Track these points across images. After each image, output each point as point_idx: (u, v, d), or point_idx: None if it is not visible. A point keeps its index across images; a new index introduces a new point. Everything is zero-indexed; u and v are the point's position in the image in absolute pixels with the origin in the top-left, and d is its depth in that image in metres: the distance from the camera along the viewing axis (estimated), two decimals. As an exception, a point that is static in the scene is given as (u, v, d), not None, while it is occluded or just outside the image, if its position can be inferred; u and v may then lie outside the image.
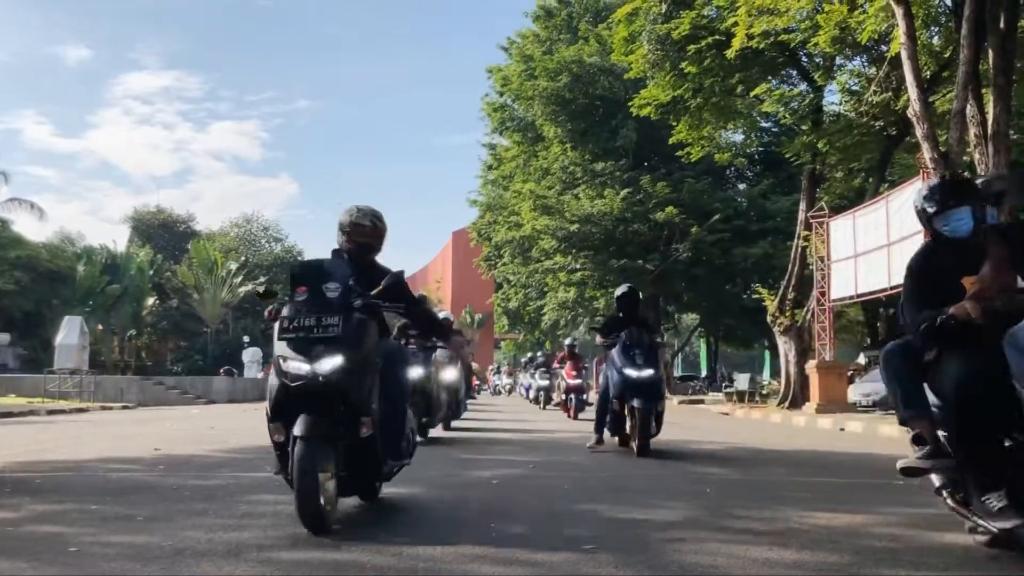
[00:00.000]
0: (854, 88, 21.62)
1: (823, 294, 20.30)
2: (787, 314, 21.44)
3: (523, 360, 37.90)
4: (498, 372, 52.75)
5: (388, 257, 8.31)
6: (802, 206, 21.94)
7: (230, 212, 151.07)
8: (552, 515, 4.84)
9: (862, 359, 31.89)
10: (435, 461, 7.61)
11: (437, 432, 10.91)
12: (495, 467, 7.43)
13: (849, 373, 22.32)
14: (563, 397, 17.15)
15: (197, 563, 3.52)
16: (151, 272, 47.51)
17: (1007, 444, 3.39)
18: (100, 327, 41.86)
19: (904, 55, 13.47)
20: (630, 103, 24.27)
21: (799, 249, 21.64)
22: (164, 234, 56.41)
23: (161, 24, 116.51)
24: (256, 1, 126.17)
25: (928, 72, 17.30)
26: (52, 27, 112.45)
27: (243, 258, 51.55)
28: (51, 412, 19.00)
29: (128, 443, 10.16)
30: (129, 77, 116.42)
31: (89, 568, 3.46)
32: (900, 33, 13.67)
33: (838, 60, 21.48)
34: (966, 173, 15.73)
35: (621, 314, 9.22)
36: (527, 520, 4.68)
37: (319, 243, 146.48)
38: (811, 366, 19.41)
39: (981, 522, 3.54)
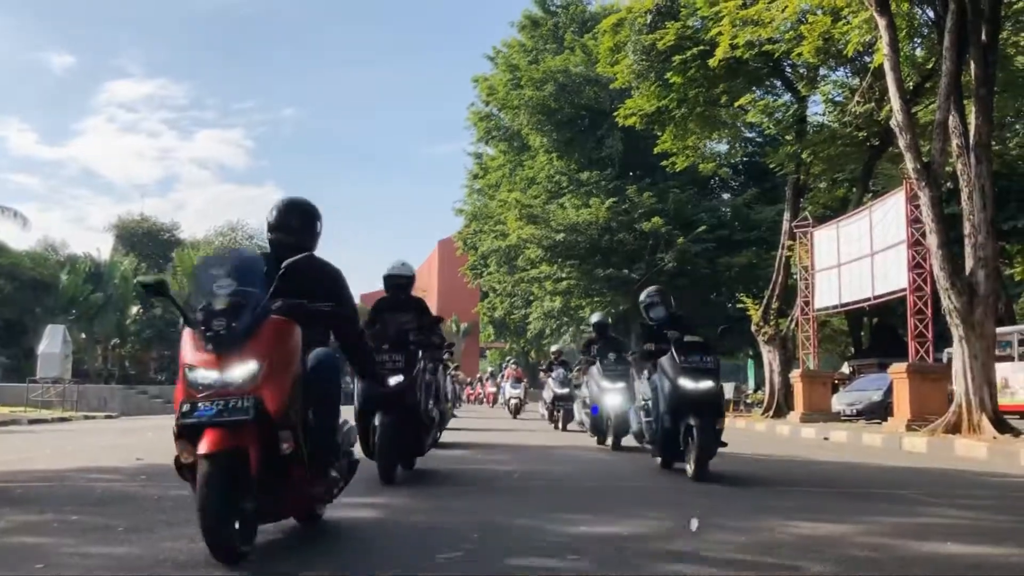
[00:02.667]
0: (838, 99, 21.75)
1: (807, 303, 20.39)
2: (771, 323, 21.52)
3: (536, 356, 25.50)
4: (499, 378, 34.61)
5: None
6: (786, 216, 22.05)
7: (215, 220, 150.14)
8: (532, 525, 4.81)
9: (846, 368, 32.05)
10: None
11: None
12: (481, 475, 7.40)
13: (833, 382, 22.42)
14: None
15: (178, 575, 3.49)
16: (135, 281, 47.19)
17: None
18: (83, 336, 41.51)
19: (887, 66, 13.56)
20: (615, 113, 24.33)
21: (783, 259, 21.73)
22: (148, 243, 55.92)
23: (146, 32, 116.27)
24: (240, 9, 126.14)
25: (911, 83, 17.44)
26: (36, 33, 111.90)
27: (228, 267, 51.16)
28: (33, 421, 18.82)
29: (110, 452, 10.07)
30: (114, 84, 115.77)
31: (67, 580, 3.41)
32: (883, 44, 13.76)
33: (822, 71, 21.63)
34: (948, 184, 15.87)
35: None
36: (505, 530, 4.66)
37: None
38: (795, 375, 19.48)
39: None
